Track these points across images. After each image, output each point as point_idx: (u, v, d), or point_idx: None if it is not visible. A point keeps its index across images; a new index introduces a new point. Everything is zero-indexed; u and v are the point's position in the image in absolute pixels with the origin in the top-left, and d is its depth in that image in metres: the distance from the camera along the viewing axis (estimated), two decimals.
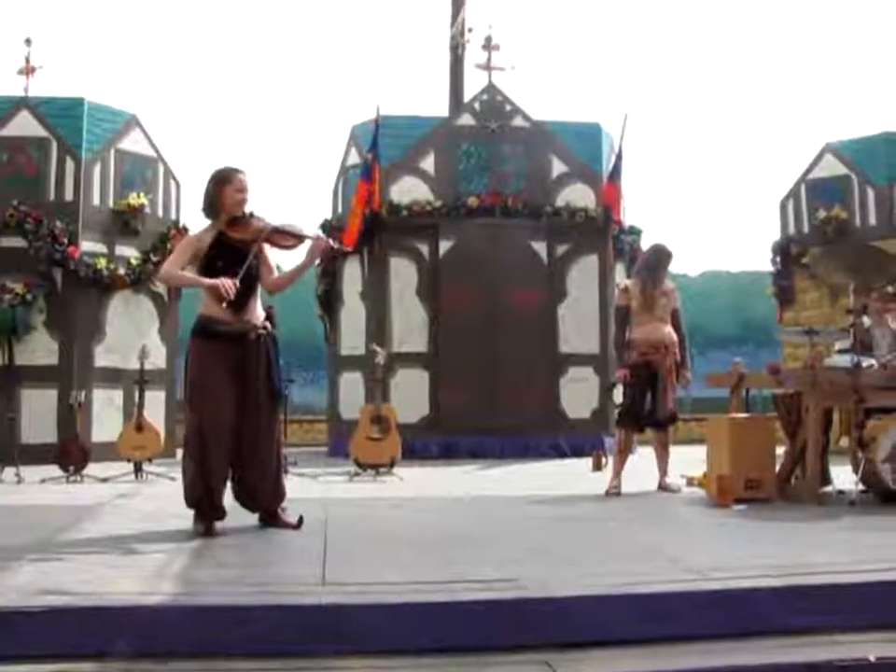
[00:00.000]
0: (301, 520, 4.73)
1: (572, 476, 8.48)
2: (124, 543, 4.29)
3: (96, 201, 10.75)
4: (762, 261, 21.07)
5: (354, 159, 12.33)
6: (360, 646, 2.85)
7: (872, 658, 2.77)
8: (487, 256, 11.18)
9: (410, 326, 11.42)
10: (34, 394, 10.02)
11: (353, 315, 11.91)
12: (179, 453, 10.53)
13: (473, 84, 13.46)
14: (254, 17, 66.73)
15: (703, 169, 69.17)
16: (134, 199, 10.86)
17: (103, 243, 10.72)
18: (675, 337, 6.80)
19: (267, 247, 4.76)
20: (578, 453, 10.69)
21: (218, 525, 4.59)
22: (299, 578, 3.45)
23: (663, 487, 6.74)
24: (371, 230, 11.17)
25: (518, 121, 12.01)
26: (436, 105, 25.08)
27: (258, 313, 4.75)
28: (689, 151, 67.28)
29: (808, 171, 12.75)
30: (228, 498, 4.72)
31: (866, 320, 6.63)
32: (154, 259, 10.93)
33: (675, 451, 7.02)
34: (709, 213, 65.27)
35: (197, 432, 4.57)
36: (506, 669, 2.80)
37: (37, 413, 9.82)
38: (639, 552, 4.05)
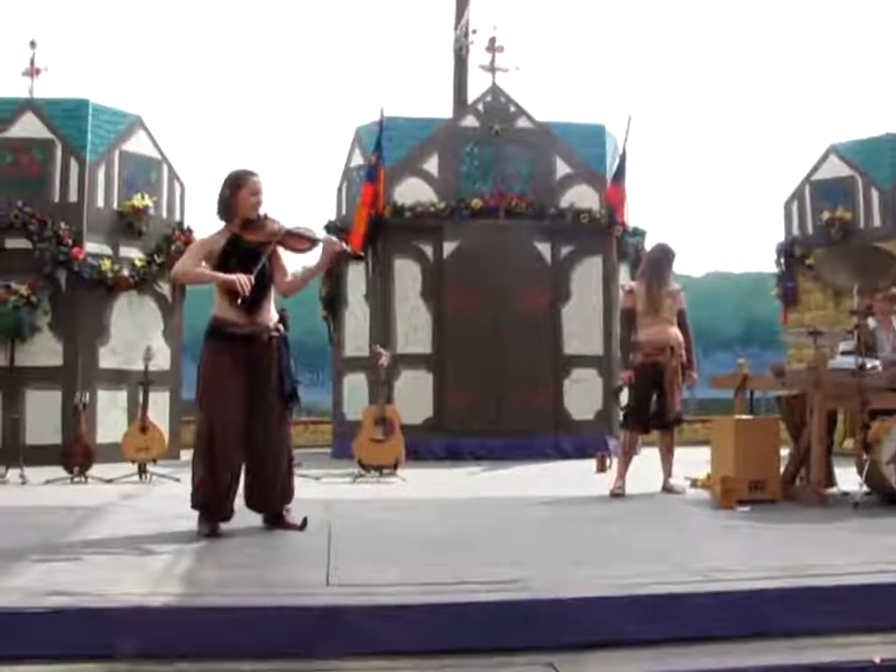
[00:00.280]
0: (305, 521, 4.74)
1: (576, 477, 8.47)
2: (129, 544, 4.29)
3: (100, 202, 10.75)
4: (766, 263, 21.08)
5: (357, 160, 12.32)
6: (365, 647, 2.86)
7: (877, 660, 2.77)
8: (491, 257, 11.17)
9: (413, 327, 11.41)
10: (38, 395, 10.02)
11: (357, 316, 11.90)
12: (184, 454, 10.60)
13: (477, 85, 13.47)
14: (259, 19, 66.83)
15: (707, 170, 69.11)
16: (139, 200, 10.85)
17: (107, 244, 10.72)
18: (681, 338, 6.78)
19: (280, 250, 4.79)
20: (581, 454, 10.66)
21: (223, 526, 4.60)
22: (303, 579, 3.46)
23: (667, 489, 6.74)
24: (374, 231, 11.17)
25: (522, 123, 11.99)
26: (440, 107, 25.11)
27: (270, 315, 4.77)
28: (693, 152, 67.25)
29: (813, 172, 12.71)
30: (236, 500, 4.72)
31: (871, 322, 6.62)
32: (158, 260, 10.94)
33: (679, 452, 7.02)
34: (714, 214, 65.25)
35: (207, 433, 4.60)
36: (510, 671, 2.80)
37: (42, 415, 9.83)
38: (644, 553, 4.05)
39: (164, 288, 11.19)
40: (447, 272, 11.41)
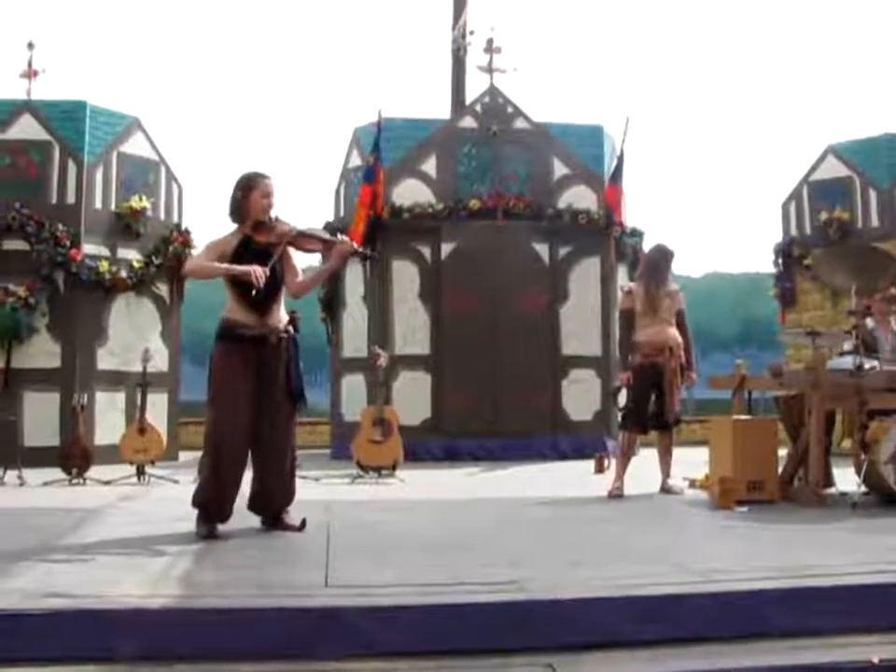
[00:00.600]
0: (303, 522, 4.75)
1: (574, 478, 8.47)
2: (127, 546, 4.29)
3: (98, 204, 10.74)
4: (764, 263, 21.07)
5: (355, 161, 12.32)
6: (363, 648, 2.86)
7: (875, 660, 2.77)
8: (489, 258, 11.18)
9: (412, 328, 11.42)
10: (36, 397, 10.01)
11: (355, 317, 11.91)
12: (182, 456, 10.61)
13: (475, 86, 13.47)
14: (257, 20, 66.83)
15: (705, 171, 69.16)
16: (136, 202, 10.86)
17: (105, 246, 10.72)
18: (679, 339, 6.79)
19: (292, 251, 4.80)
20: (580, 455, 10.67)
21: (221, 527, 4.60)
22: (302, 580, 3.46)
23: (665, 489, 6.74)
24: (372, 233, 11.16)
25: (520, 123, 12.00)
26: (437, 108, 25.14)
27: (280, 316, 4.78)
28: (691, 153, 67.28)
29: (810, 172, 12.72)
30: (237, 501, 4.72)
31: (870, 322, 6.63)
32: (156, 261, 10.96)
33: (677, 453, 7.02)
34: (712, 215, 65.31)
35: (214, 434, 4.62)
36: (509, 671, 2.80)
37: (40, 416, 9.82)
38: (642, 554, 4.05)
39: (162, 290, 11.20)
40: (445, 273, 11.41)
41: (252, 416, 4.62)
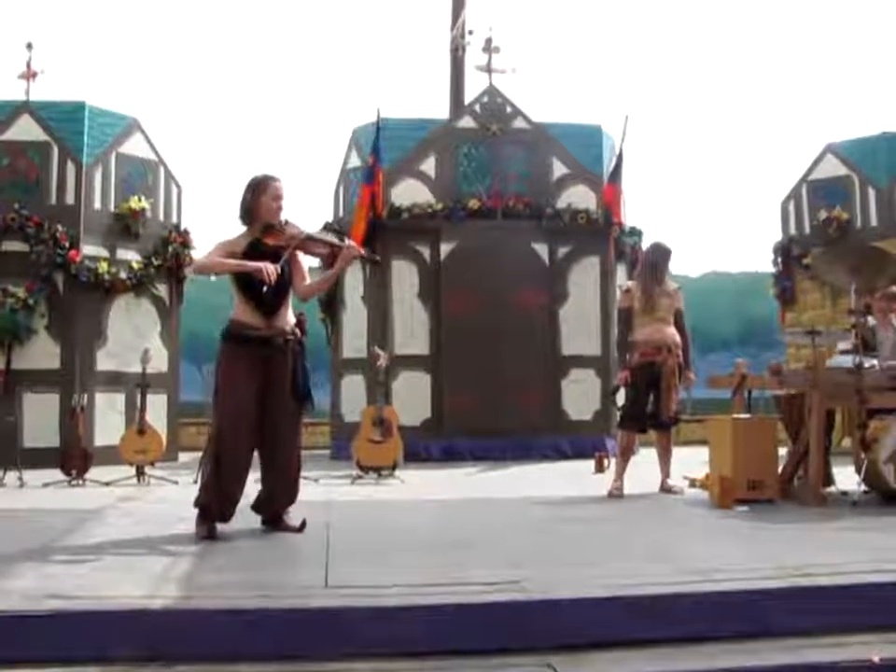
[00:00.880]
0: (303, 523, 4.74)
1: (574, 478, 8.48)
2: (127, 547, 4.29)
3: (97, 205, 10.74)
4: (763, 262, 21.08)
5: (355, 161, 12.32)
6: (363, 649, 2.85)
7: (876, 659, 2.77)
8: (488, 258, 11.18)
9: (411, 328, 11.42)
10: (35, 398, 10.00)
11: (355, 317, 11.90)
12: (182, 457, 10.61)
13: (474, 86, 13.47)
14: (255, 20, 66.83)
15: (704, 170, 69.20)
16: (135, 203, 10.86)
17: (104, 247, 10.71)
18: (678, 338, 6.79)
19: (300, 254, 4.80)
20: (580, 454, 10.68)
21: (221, 528, 4.60)
22: (302, 581, 3.46)
23: (665, 489, 6.74)
24: (372, 233, 11.16)
25: (519, 123, 12.01)
26: (436, 108, 25.13)
27: (287, 318, 4.78)
28: (690, 152, 67.31)
29: (809, 171, 12.73)
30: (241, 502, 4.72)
31: (871, 320, 6.63)
32: (155, 262, 10.96)
33: (677, 452, 7.03)
34: (711, 214, 65.30)
35: (218, 436, 4.63)
36: (509, 671, 2.80)
37: (39, 418, 9.81)
38: (642, 553, 4.05)
39: (161, 291, 11.20)
40: (444, 273, 11.41)
41: (258, 417, 4.62)
